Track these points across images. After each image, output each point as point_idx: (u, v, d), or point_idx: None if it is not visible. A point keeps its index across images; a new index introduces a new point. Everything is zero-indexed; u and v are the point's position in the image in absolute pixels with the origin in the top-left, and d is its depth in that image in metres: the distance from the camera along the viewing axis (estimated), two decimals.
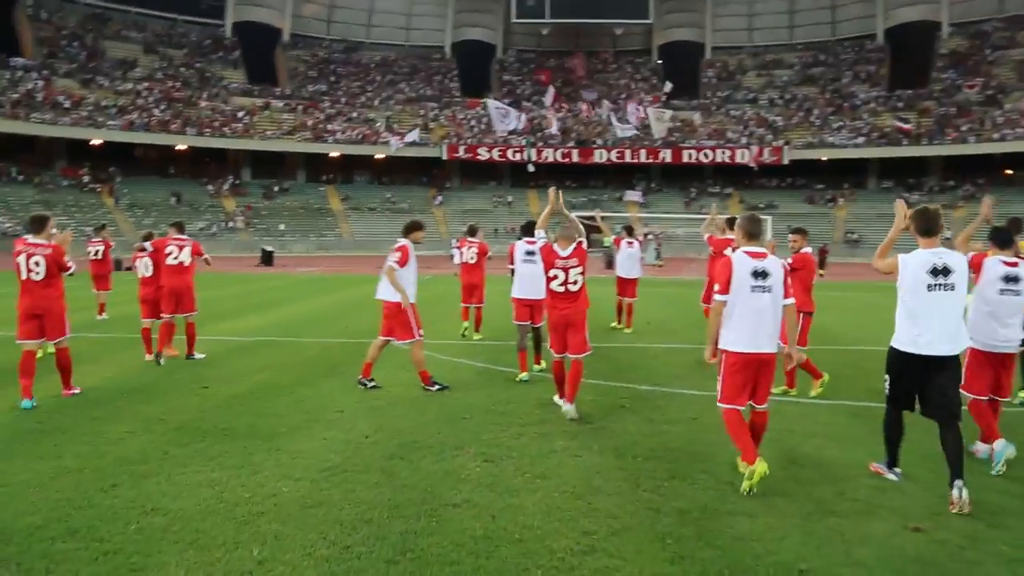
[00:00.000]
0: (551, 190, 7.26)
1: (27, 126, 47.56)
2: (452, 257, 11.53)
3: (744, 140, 57.84)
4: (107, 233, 14.90)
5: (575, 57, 68.85)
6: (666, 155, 57.33)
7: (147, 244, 10.23)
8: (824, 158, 56.59)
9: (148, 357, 9.77)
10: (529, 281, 8.51)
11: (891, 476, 5.34)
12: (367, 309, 13.52)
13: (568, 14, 66.55)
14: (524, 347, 8.68)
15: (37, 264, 7.33)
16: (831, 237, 51.57)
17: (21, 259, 7.36)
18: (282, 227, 51.70)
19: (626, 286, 13.24)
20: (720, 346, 5.23)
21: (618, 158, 57.75)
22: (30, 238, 7.43)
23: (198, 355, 9.96)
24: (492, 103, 54.05)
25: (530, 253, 8.52)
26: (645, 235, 14.63)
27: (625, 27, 68.65)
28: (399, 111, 62.21)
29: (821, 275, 30.72)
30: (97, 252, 14.28)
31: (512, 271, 9.24)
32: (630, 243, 13.36)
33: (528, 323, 8.72)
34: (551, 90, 59.22)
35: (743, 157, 55.70)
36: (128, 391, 7.93)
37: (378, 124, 58.91)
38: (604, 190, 60.05)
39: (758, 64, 67.27)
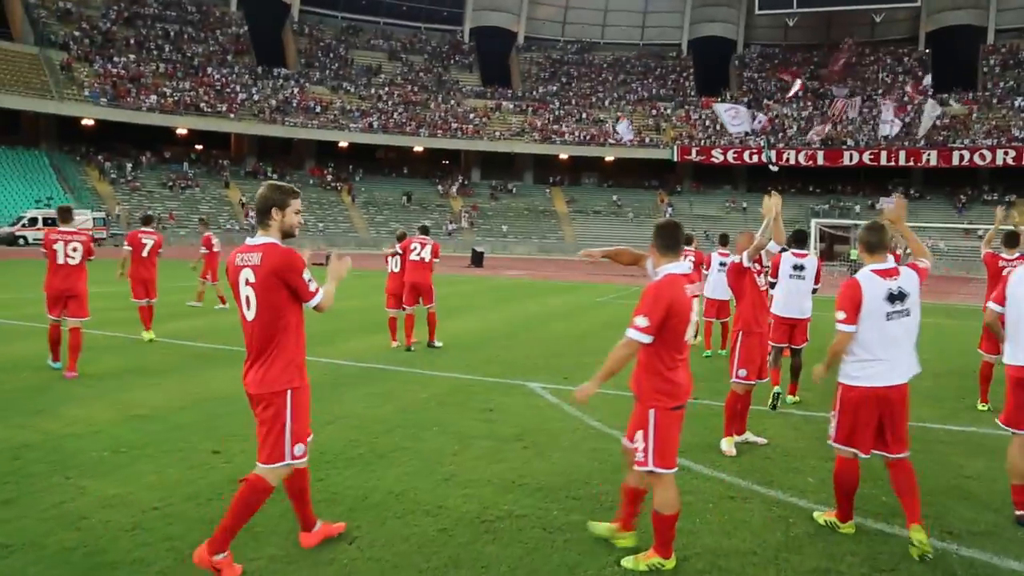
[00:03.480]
0: (773, 196, 5.90)
1: (282, 129, 52.09)
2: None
3: None
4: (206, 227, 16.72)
5: (838, 50, 62.14)
6: (931, 156, 50.26)
7: (397, 246, 10.97)
8: None
9: (394, 344, 10.73)
10: (794, 297, 7.79)
11: None
12: (536, 327, 11.92)
13: (819, 2, 60.64)
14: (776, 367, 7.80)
15: (75, 250, 8.20)
16: None
17: (59, 246, 8.15)
18: (504, 228, 52.07)
19: None
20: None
21: (872, 160, 51.56)
22: (63, 227, 8.30)
23: (438, 343, 10.85)
24: (720, 107, 50.72)
25: (798, 267, 7.87)
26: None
27: (887, 13, 61.23)
28: (630, 111, 60.55)
29: None
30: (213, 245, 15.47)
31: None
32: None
33: (786, 344, 7.84)
34: (796, 84, 54.19)
35: None
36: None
37: (607, 125, 57.64)
38: (853, 197, 54.11)
39: None
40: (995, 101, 54.26)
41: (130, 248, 10.71)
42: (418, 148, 56.91)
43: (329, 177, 55.14)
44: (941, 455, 6.12)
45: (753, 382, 6.16)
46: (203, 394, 7.46)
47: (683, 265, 3.98)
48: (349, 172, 56.35)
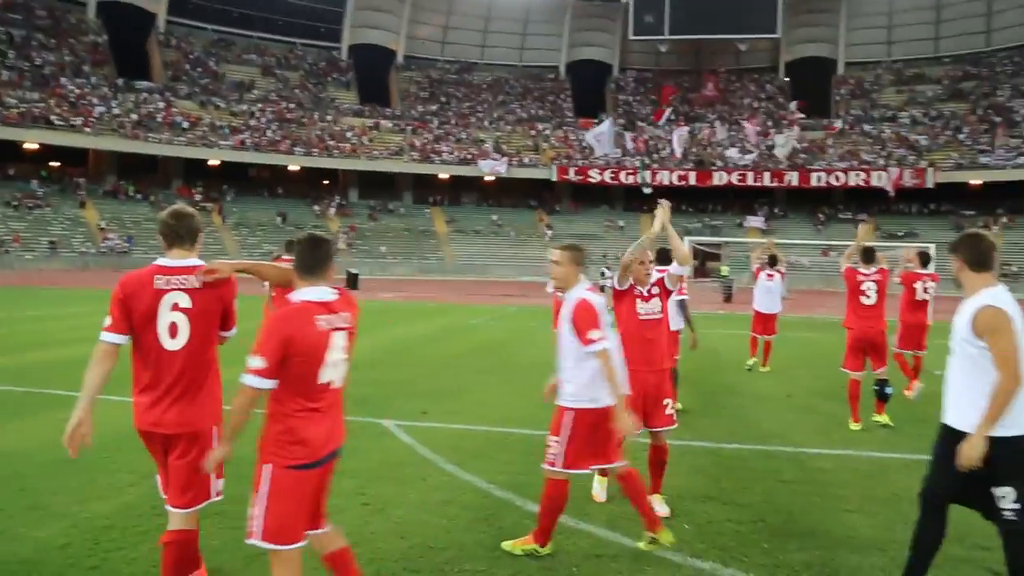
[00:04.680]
0: (662, 204, 5.15)
1: (145, 145, 48.82)
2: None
3: (881, 162, 52.73)
4: None
5: (706, 76, 64.97)
6: (792, 178, 53.05)
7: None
8: (976, 181, 50.76)
9: None
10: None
11: None
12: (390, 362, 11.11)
13: (688, 30, 62.99)
14: None
15: None
16: None
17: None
18: (383, 249, 50.80)
19: (767, 322, 12.04)
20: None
21: (739, 181, 53.85)
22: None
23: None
24: (589, 133, 51.48)
25: None
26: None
27: (750, 43, 64.58)
28: (509, 132, 60.77)
29: None
30: None
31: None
32: (770, 275, 12.03)
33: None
34: (667, 111, 55.86)
35: (880, 180, 50.65)
36: None
37: (486, 145, 57.50)
38: (723, 215, 56.23)
39: (898, 80, 61.71)
40: (847, 127, 57.88)
41: None
42: (293, 167, 54.81)
43: (198, 197, 52.00)
44: (821, 486, 5.75)
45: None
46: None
47: (323, 291, 3.24)
48: (220, 192, 53.50)
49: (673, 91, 63.66)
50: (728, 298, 31.22)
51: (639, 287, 5.18)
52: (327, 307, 3.22)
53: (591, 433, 4.27)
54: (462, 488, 5.46)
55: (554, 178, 56.12)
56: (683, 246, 5.26)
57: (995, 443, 3.44)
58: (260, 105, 56.41)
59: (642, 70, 69.22)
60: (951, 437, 3.59)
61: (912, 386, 9.23)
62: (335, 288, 3.33)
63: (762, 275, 12.12)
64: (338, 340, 3.22)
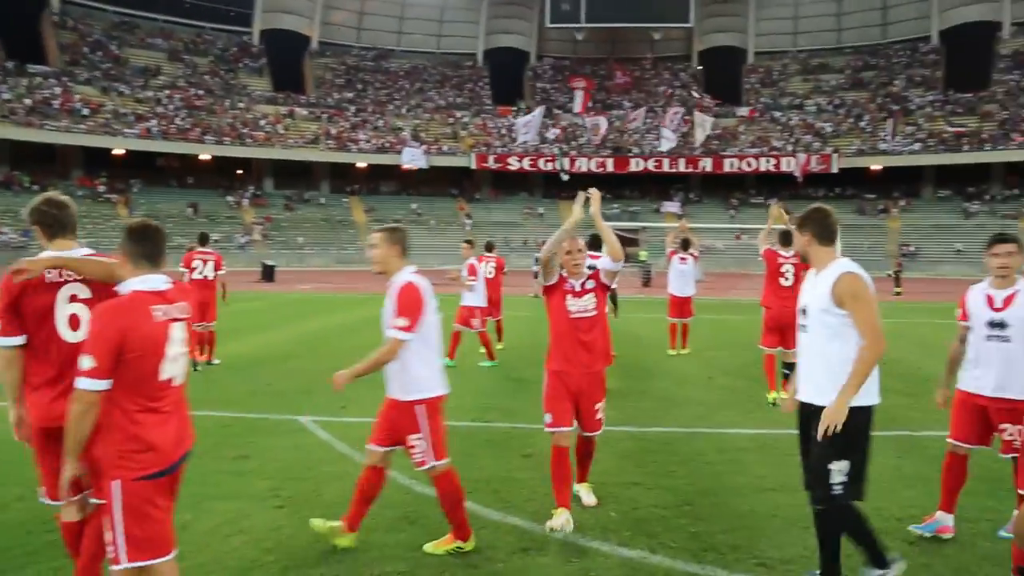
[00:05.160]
0: (591, 192, 4.82)
1: (40, 133, 46.02)
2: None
3: (790, 148, 54.58)
4: None
5: (615, 66, 65.94)
6: (706, 164, 54.36)
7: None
8: (876, 166, 53.12)
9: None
10: None
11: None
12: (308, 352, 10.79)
13: (604, 19, 63.67)
14: None
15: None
16: (884, 250, 48.02)
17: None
18: (300, 240, 49.56)
19: (682, 305, 12.08)
20: None
21: (656, 167, 54.82)
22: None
23: (215, 361, 10.28)
24: (520, 121, 51.30)
25: (591, 268, 7.39)
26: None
27: (664, 32, 65.71)
28: (427, 119, 60.10)
29: (898, 293, 27.57)
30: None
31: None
32: (683, 259, 12.16)
33: None
34: (580, 95, 56.11)
35: (789, 165, 52.41)
36: None
37: (404, 133, 56.71)
38: (641, 201, 57.17)
39: (804, 69, 63.89)
40: (757, 115, 59.61)
41: None
42: (205, 156, 52.74)
43: (102, 188, 49.52)
44: (744, 466, 5.81)
45: (566, 429, 4.64)
46: None
47: (156, 280, 3.00)
48: (126, 183, 50.99)
49: (590, 80, 64.15)
50: (647, 282, 31.76)
51: (571, 280, 4.74)
52: (162, 296, 2.97)
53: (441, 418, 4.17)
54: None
55: (473, 166, 55.83)
56: (615, 240, 4.83)
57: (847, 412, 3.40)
58: (167, 91, 54.02)
59: (559, 58, 69.51)
60: (814, 416, 3.52)
61: None
62: (168, 278, 3.10)
63: (675, 259, 12.23)
64: (177, 332, 2.98)
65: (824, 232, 3.72)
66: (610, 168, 55.10)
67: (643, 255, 39.87)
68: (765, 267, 8.28)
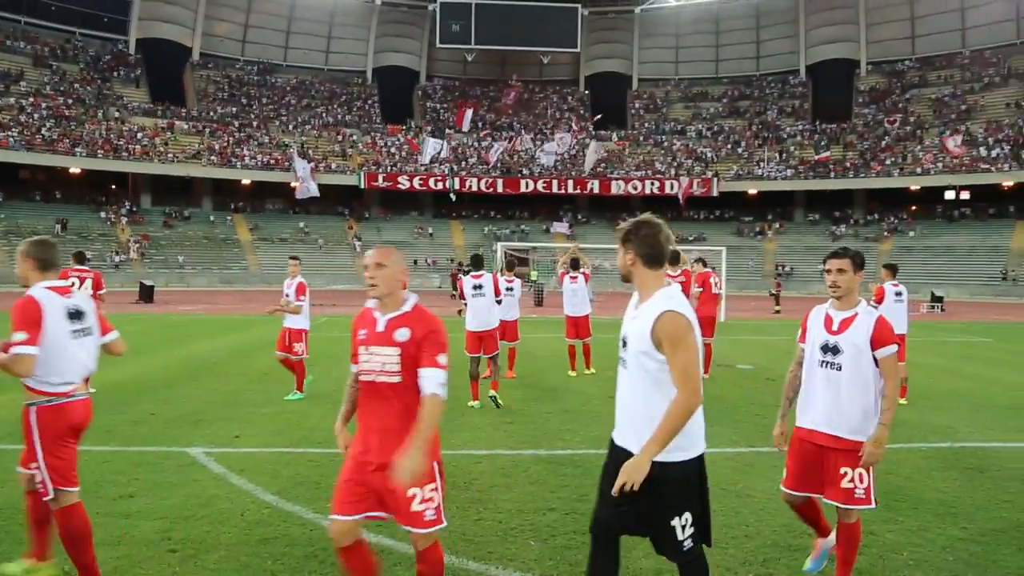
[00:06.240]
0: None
1: None
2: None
3: (673, 171, 56.80)
4: None
5: (509, 86, 66.68)
6: (594, 186, 55.88)
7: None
8: (753, 190, 56.02)
9: None
10: (482, 312, 9.14)
11: None
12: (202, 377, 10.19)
13: (494, 41, 64.56)
14: (475, 376, 9.05)
15: None
16: (761, 270, 50.60)
17: None
18: (181, 258, 47.26)
19: (578, 325, 11.96)
20: None
21: (545, 188, 55.83)
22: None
23: (91, 389, 8.38)
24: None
25: (478, 287, 9.16)
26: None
27: (553, 56, 67.23)
28: (315, 136, 58.86)
29: (778, 311, 28.94)
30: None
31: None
32: (574, 278, 12.17)
33: (479, 354, 9.12)
34: (468, 115, 56.20)
35: (672, 188, 54.51)
36: None
37: (291, 149, 55.22)
38: (531, 221, 58.06)
39: (685, 96, 66.76)
40: (642, 139, 61.74)
41: None
42: (75, 169, 49.56)
43: None
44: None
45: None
46: None
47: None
48: None
49: (475, 102, 64.37)
50: (539, 302, 31.99)
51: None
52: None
53: None
54: (286, 520, 4.91)
55: (363, 185, 55.05)
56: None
57: (668, 468, 2.99)
58: (32, 99, 50.56)
59: (449, 78, 69.81)
60: (624, 462, 3.01)
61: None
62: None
63: (566, 279, 12.21)
64: None
65: (652, 253, 3.12)
66: (500, 189, 55.68)
67: (534, 275, 40.25)
68: None
